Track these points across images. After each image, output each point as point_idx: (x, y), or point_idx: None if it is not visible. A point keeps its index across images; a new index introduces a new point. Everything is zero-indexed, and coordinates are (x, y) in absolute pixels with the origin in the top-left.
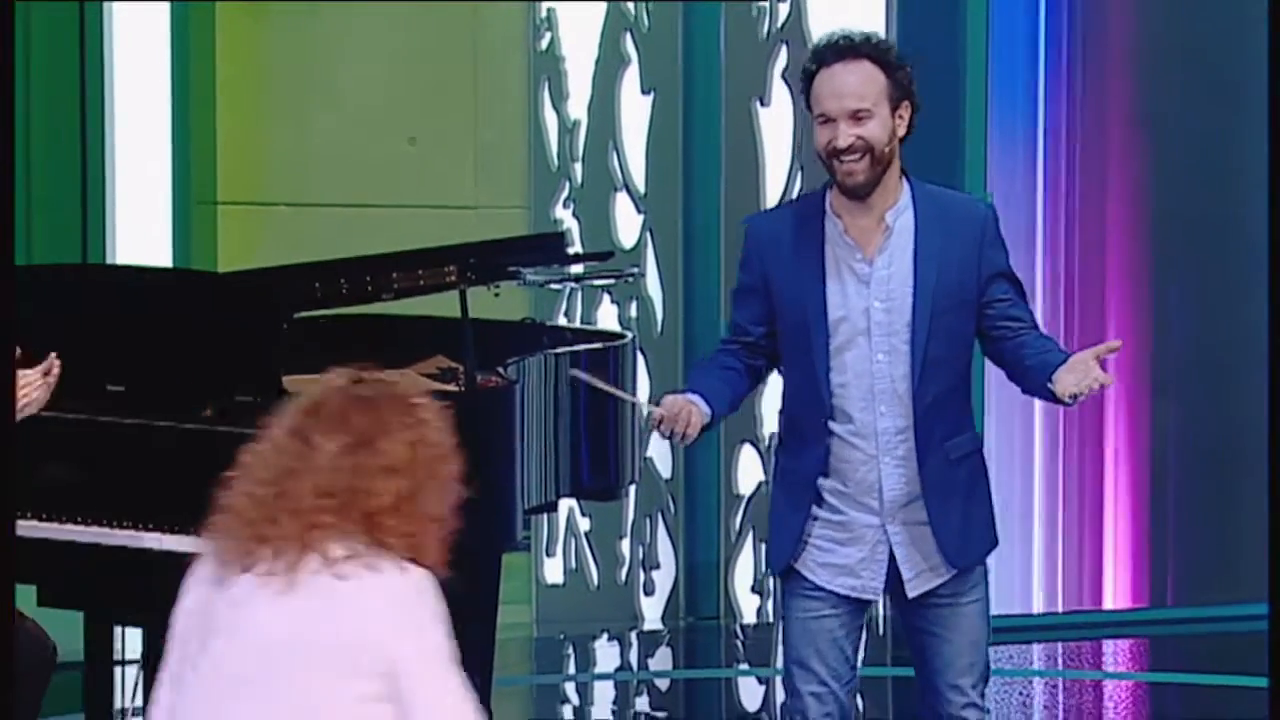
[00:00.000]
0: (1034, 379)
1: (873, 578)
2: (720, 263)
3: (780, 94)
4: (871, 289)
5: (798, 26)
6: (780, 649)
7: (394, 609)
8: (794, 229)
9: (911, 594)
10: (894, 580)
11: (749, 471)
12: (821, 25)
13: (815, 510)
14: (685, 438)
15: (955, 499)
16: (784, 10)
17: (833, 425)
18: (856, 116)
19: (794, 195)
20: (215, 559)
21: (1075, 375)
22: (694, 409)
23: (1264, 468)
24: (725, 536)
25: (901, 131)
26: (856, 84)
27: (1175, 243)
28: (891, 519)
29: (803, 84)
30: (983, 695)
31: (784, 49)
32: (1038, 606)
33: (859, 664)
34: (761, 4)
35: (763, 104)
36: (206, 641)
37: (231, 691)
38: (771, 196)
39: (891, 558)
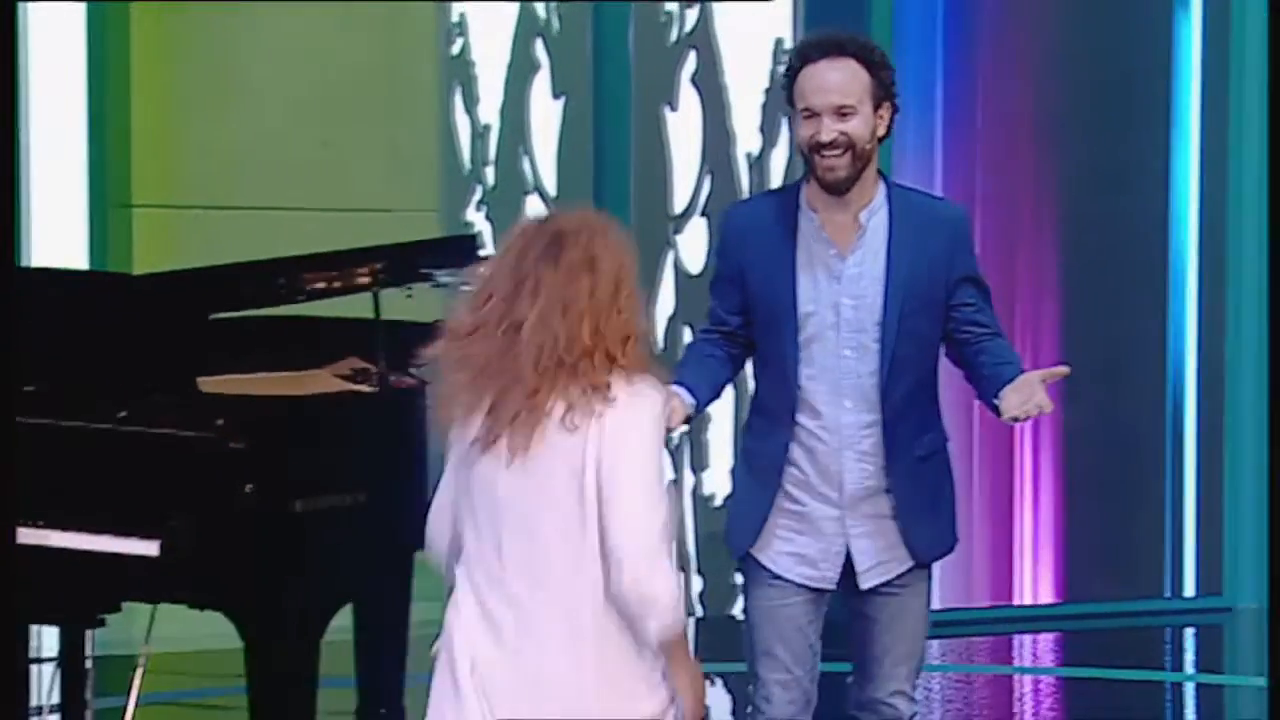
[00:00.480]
0: (985, 389)
1: (830, 568)
2: None
3: (689, 98)
4: (843, 285)
5: (705, 32)
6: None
7: (625, 431)
8: (770, 221)
9: (865, 585)
10: (847, 570)
11: None
12: (729, 31)
13: (778, 498)
14: (670, 430)
15: (924, 496)
16: (692, 16)
17: (799, 416)
18: (841, 112)
19: (703, 199)
20: (458, 416)
21: (1019, 397)
22: (677, 400)
23: (1160, 469)
24: None
25: (881, 131)
26: (842, 80)
27: (1079, 244)
28: (851, 511)
29: (785, 79)
30: (913, 687)
31: (692, 54)
32: (950, 602)
33: (820, 653)
34: (670, 8)
35: (672, 108)
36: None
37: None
38: (680, 200)
39: (847, 549)
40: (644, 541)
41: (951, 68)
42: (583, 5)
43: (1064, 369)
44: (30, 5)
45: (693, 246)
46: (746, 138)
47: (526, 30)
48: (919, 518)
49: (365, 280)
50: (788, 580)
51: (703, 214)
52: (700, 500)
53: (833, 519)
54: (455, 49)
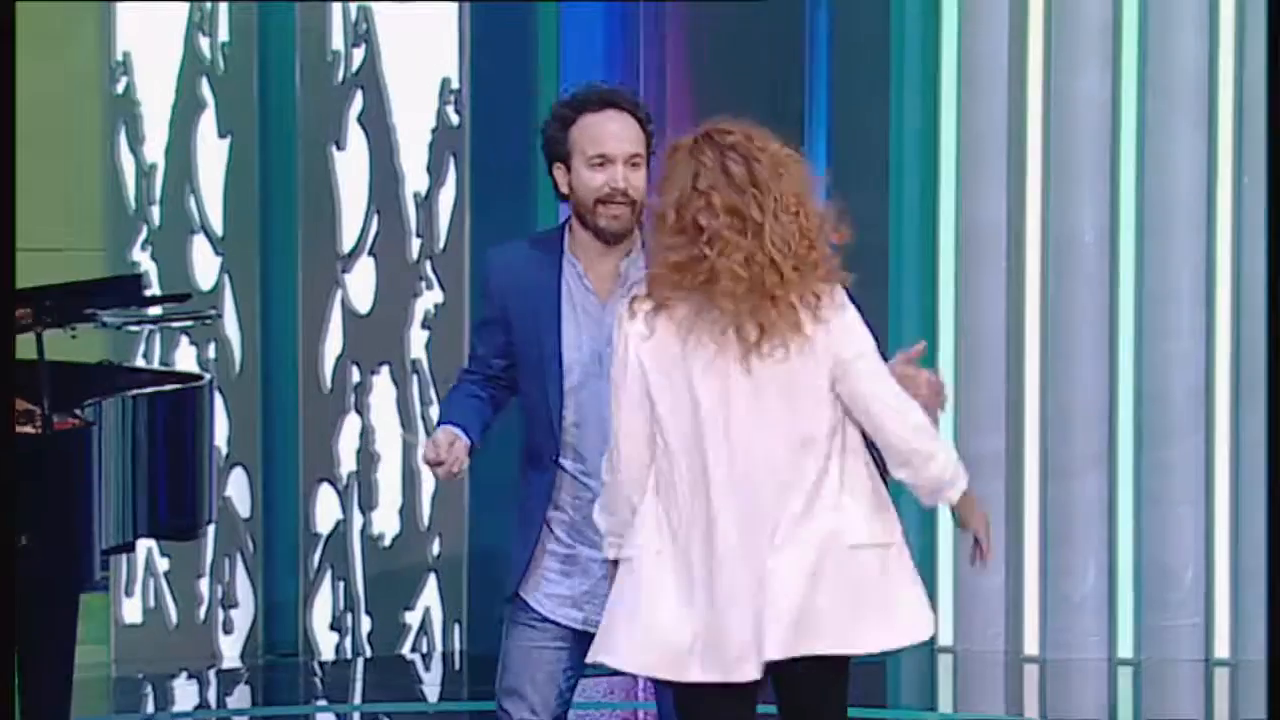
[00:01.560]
0: None
1: (595, 611)
2: (297, 303)
3: (356, 137)
4: (605, 332)
5: (372, 71)
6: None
7: (845, 326)
8: (534, 267)
9: None
10: None
11: (327, 510)
12: (396, 71)
13: (544, 539)
14: (455, 474)
15: None
16: (359, 55)
17: (563, 461)
18: (633, 162)
19: (370, 238)
20: (677, 324)
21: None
22: (459, 442)
23: None
24: (304, 575)
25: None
26: (631, 132)
27: None
28: None
29: (555, 126)
30: None
31: (359, 93)
32: None
33: (571, 700)
34: (336, 48)
35: (339, 147)
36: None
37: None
38: (348, 239)
39: None
40: (915, 418)
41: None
42: (248, 45)
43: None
44: None
45: (361, 286)
46: (414, 177)
47: (192, 69)
48: None
49: (27, 321)
50: (551, 622)
51: (370, 253)
52: (368, 540)
53: (600, 561)
54: (119, 88)
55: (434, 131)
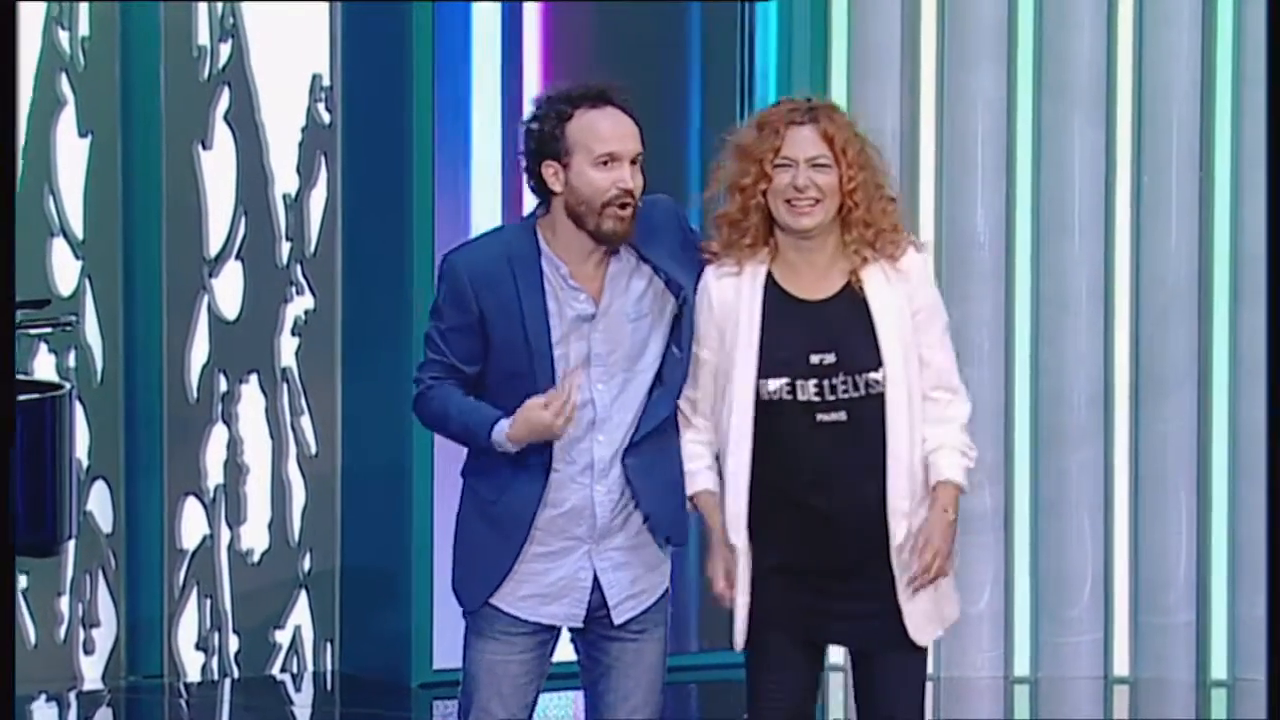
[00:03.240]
0: None
1: (574, 604)
2: (162, 309)
3: (223, 136)
4: (594, 325)
5: (240, 68)
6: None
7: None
8: (509, 269)
9: (618, 619)
10: (593, 609)
11: (193, 525)
12: (265, 66)
13: (526, 545)
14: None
15: (658, 468)
16: (226, 51)
17: (556, 466)
18: (635, 161)
19: (238, 242)
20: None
21: None
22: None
23: None
24: (169, 593)
25: None
26: (634, 130)
27: None
28: (600, 542)
29: (551, 121)
30: None
31: (226, 90)
32: None
33: (537, 700)
34: (202, 43)
35: (205, 147)
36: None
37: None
38: (215, 242)
39: (595, 586)
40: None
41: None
42: (109, 40)
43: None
44: None
45: (228, 291)
46: (284, 178)
47: (50, 64)
48: (655, 488)
49: None
50: (519, 631)
51: (238, 257)
52: (236, 556)
53: (580, 551)
54: None
55: (304, 130)
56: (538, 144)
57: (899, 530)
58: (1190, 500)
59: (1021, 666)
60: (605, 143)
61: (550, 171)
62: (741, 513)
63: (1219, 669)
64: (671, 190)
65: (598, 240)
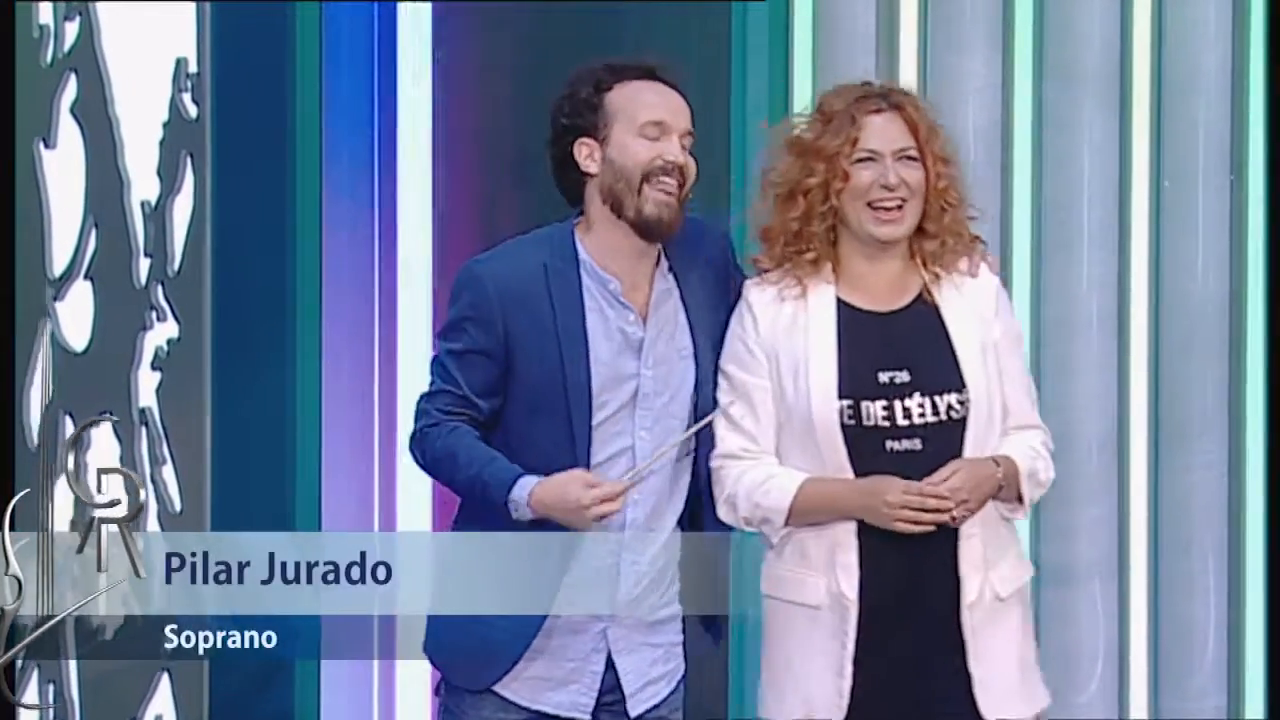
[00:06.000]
0: None
1: (583, 691)
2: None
3: (69, 132)
4: (642, 355)
5: (90, 50)
6: None
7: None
8: (543, 281)
9: (634, 712)
10: (603, 694)
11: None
12: (119, 50)
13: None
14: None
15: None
16: (72, 31)
17: None
18: (686, 143)
19: (87, 259)
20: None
21: None
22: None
23: None
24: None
25: None
26: (687, 109)
27: None
28: (618, 621)
29: (587, 90)
30: None
31: (73, 78)
32: None
33: None
34: (45, 21)
35: (48, 145)
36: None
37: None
38: (60, 259)
39: (609, 667)
40: None
41: (385, 87)
42: None
43: None
44: None
45: (75, 317)
46: (143, 182)
47: None
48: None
49: None
50: (521, 709)
51: (87, 277)
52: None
53: (596, 632)
54: None
55: (166, 126)
56: (569, 117)
57: (971, 588)
58: (1220, 564)
59: None
60: (652, 109)
61: (585, 152)
62: (853, 564)
63: None
64: None
65: (639, 231)
